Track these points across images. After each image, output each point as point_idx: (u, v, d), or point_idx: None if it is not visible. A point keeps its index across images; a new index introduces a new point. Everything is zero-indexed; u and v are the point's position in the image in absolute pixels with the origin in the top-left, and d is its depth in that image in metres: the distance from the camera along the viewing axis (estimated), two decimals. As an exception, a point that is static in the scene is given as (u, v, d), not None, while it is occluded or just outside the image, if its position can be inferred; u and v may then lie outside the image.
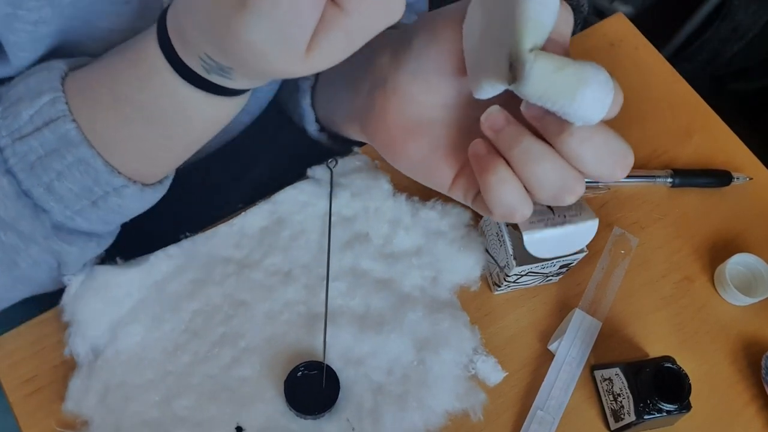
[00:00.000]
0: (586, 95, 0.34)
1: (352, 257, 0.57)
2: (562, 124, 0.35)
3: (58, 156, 0.40)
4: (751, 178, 0.66)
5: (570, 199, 0.39)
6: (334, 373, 0.52)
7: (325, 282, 0.56)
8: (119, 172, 0.42)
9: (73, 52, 0.45)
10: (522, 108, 0.36)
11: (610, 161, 0.37)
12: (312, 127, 0.59)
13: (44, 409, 0.51)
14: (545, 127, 0.36)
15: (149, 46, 0.38)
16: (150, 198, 0.45)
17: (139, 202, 0.44)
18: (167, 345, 0.53)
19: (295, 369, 0.52)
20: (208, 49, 0.35)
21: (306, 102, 0.58)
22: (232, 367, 0.52)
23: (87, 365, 0.51)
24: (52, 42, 0.44)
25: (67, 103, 0.40)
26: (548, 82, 0.33)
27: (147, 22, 0.44)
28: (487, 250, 0.58)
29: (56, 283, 0.50)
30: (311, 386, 0.51)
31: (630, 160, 0.38)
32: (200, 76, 0.37)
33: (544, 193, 0.37)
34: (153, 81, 0.39)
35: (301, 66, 0.33)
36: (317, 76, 0.59)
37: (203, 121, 0.41)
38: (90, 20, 0.44)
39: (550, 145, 0.36)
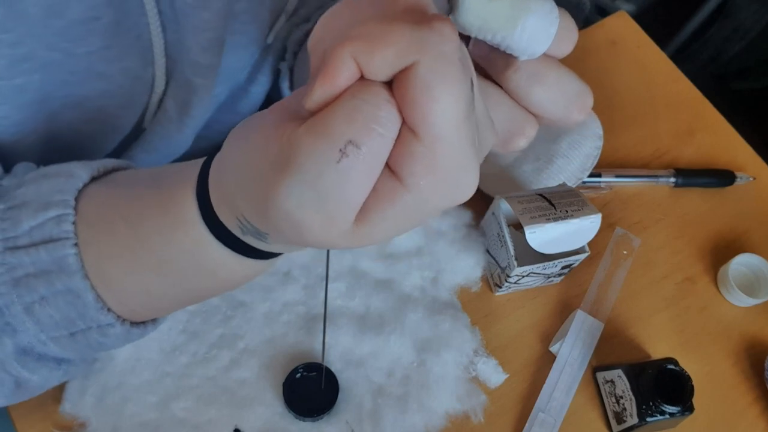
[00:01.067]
0: (527, 24, 0.32)
1: (352, 257, 0.57)
2: (507, 59, 0.33)
3: (47, 280, 0.36)
4: (754, 178, 0.66)
5: (521, 143, 0.36)
6: (334, 374, 0.52)
7: (324, 282, 0.55)
8: (109, 310, 0.37)
9: (57, 96, 0.43)
10: (469, 48, 0.34)
11: (563, 101, 0.35)
12: None
13: (41, 411, 0.50)
14: (492, 66, 0.34)
15: (185, 194, 0.34)
16: (135, 338, 0.40)
17: (121, 341, 0.39)
18: (165, 346, 0.52)
19: (294, 370, 0.51)
20: (246, 210, 0.31)
21: (285, 85, 0.58)
22: (230, 369, 0.52)
23: (84, 366, 0.50)
24: (34, 85, 0.41)
25: (74, 223, 0.36)
26: (486, 11, 0.32)
27: (122, 38, 0.43)
28: (488, 251, 0.58)
29: (14, 399, 0.43)
30: (310, 388, 0.51)
31: (589, 102, 0.36)
32: (234, 236, 0.33)
33: None
34: (180, 232, 0.34)
35: (346, 240, 0.29)
36: (296, 54, 0.57)
37: (227, 280, 0.37)
38: (68, 49, 0.41)
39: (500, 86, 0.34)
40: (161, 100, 0.51)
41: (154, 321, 0.41)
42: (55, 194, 0.37)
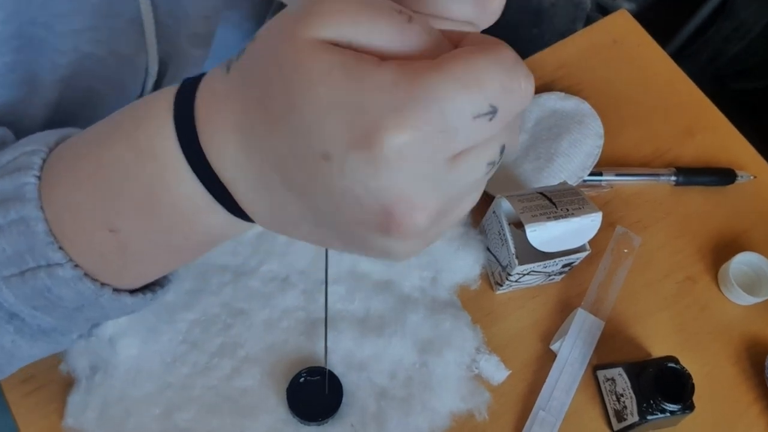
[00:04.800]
0: None
1: (350, 260, 0.57)
2: None
3: (5, 208, 0.34)
4: (754, 177, 0.66)
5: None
6: (337, 377, 0.52)
7: (323, 286, 0.55)
8: (60, 248, 0.34)
9: (47, 77, 0.43)
10: None
11: None
12: None
13: (42, 409, 0.51)
14: None
15: (158, 116, 0.31)
16: (91, 298, 0.36)
17: (74, 294, 0.35)
18: (165, 357, 0.53)
19: (297, 375, 0.52)
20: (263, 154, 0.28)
21: None
22: (232, 378, 0.53)
23: (85, 380, 0.51)
24: (22, 64, 0.41)
25: (44, 159, 0.35)
26: None
27: (112, 20, 0.43)
28: (489, 249, 0.58)
29: None
30: (314, 392, 0.51)
31: None
32: (215, 176, 0.30)
33: None
34: (149, 162, 0.31)
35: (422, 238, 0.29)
36: None
37: (205, 233, 0.33)
38: (52, 25, 0.41)
39: None
40: (156, 88, 0.51)
41: (134, 293, 0.38)
42: (35, 139, 0.36)
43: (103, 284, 0.36)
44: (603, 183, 0.65)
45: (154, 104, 0.31)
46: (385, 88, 0.25)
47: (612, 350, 0.58)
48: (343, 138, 0.26)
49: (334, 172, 0.26)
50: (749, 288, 0.61)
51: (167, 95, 0.31)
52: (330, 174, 0.26)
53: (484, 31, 0.35)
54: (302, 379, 0.52)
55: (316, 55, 0.26)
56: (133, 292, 0.38)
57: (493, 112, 0.26)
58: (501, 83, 0.26)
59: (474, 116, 0.26)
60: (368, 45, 0.26)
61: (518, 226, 0.55)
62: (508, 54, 0.27)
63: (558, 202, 0.54)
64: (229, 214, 0.31)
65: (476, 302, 0.59)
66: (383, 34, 0.27)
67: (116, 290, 0.36)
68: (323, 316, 0.55)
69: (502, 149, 0.28)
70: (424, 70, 0.25)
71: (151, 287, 0.39)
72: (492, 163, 0.28)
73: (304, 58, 0.26)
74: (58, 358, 0.52)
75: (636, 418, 0.52)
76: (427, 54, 0.27)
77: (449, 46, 0.28)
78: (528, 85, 0.27)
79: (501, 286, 0.58)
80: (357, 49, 0.26)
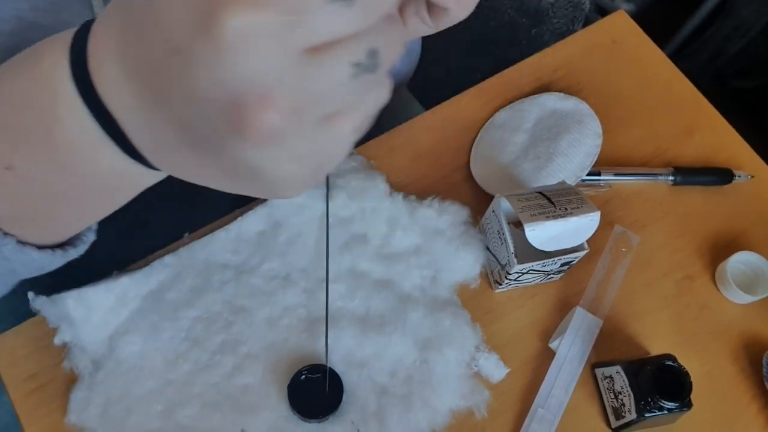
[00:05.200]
0: None
1: (351, 259, 0.58)
2: None
3: None
4: (752, 176, 0.66)
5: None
6: (338, 375, 0.52)
7: (324, 285, 0.56)
8: None
9: None
10: None
11: None
12: None
13: (45, 407, 0.51)
14: None
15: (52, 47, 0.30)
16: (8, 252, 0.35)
17: None
18: (167, 354, 0.53)
19: (299, 373, 0.52)
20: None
21: None
22: (233, 375, 0.53)
23: (88, 377, 0.52)
24: None
25: None
26: None
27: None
28: (488, 248, 0.58)
29: None
30: (315, 390, 0.52)
31: None
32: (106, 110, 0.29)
33: None
34: (45, 93, 0.30)
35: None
36: None
37: (102, 176, 0.32)
38: None
39: None
40: None
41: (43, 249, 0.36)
42: None
43: (6, 233, 0.34)
44: (602, 182, 0.65)
45: (56, 40, 0.30)
46: None
47: (610, 348, 0.59)
48: (189, 25, 0.24)
49: (183, 66, 0.25)
50: (747, 287, 0.61)
51: (70, 32, 0.30)
52: (181, 70, 0.25)
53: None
54: (303, 377, 0.52)
55: None
56: (41, 248, 0.36)
57: None
58: None
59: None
60: None
61: (517, 225, 0.55)
62: None
63: (557, 201, 0.54)
64: (120, 151, 0.30)
65: (476, 301, 0.59)
66: None
67: (21, 242, 0.35)
68: (324, 314, 0.55)
69: (372, 53, 0.26)
70: None
71: (63, 246, 0.37)
72: (358, 65, 0.26)
73: None
74: (60, 356, 0.53)
75: (634, 415, 0.52)
76: None
77: None
78: None
79: (500, 285, 0.58)
80: None
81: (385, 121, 0.70)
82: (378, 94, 0.29)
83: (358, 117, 0.29)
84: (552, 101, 0.68)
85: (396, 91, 0.84)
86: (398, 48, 0.28)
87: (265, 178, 0.29)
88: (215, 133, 0.27)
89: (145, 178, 0.33)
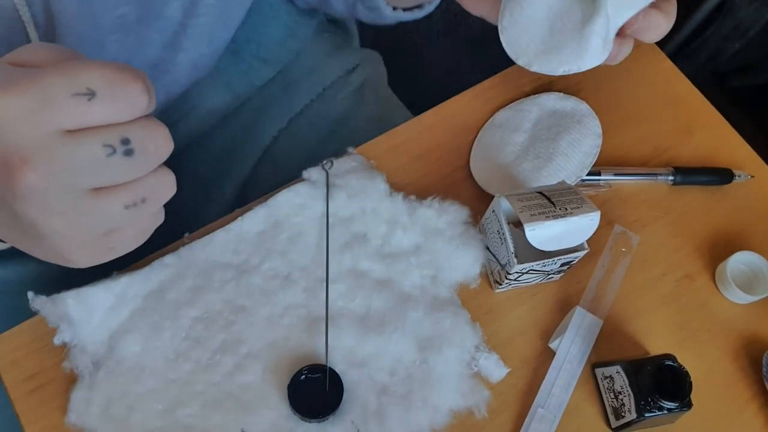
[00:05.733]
0: None
1: (351, 258, 0.58)
2: None
3: None
4: (752, 176, 0.66)
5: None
6: (338, 375, 0.52)
7: (324, 284, 0.56)
8: None
9: None
10: None
11: None
12: (387, 11, 0.65)
13: (46, 407, 0.51)
14: None
15: None
16: None
17: None
18: (168, 353, 0.53)
19: (299, 373, 0.52)
20: None
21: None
22: (234, 374, 0.53)
23: (88, 376, 0.52)
24: None
25: None
26: None
27: None
28: (488, 248, 0.58)
29: None
30: (315, 389, 0.52)
31: None
32: None
33: None
34: None
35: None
36: None
37: None
38: None
39: None
40: None
41: None
42: None
43: None
44: (601, 182, 0.65)
45: None
46: (11, 74, 0.34)
47: (610, 348, 0.59)
48: None
49: None
50: (747, 287, 0.61)
51: None
52: None
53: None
54: (303, 377, 0.53)
55: None
56: None
57: (90, 93, 0.33)
58: (100, 75, 0.33)
59: (72, 93, 0.33)
60: (36, 62, 0.35)
61: (517, 225, 0.55)
62: (120, 63, 0.35)
63: (557, 201, 0.54)
64: None
65: (476, 300, 0.59)
66: (40, 54, 0.35)
67: None
68: (324, 313, 0.55)
69: (125, 140, 0.35)
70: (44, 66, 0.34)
71: None
72: (109, 146, 0.34)
73: None
74: (61, 356, 0.53)
75: (634, 415, 0.52)
76: None
77: None
78: (134, 87, 0.34)
79: (500, 285, 0.58)
80: (20, 64, 0.35)
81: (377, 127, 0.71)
82: (156, 183, 0.38)
83: (128, 195, 0.37)
84: (552, 101, 0.68)
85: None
86: (161, 140, 0.36)
87: (41, 232, 0.36)
88: (1, 189, 0.35)
89: None
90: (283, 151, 0.75)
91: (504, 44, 0.56)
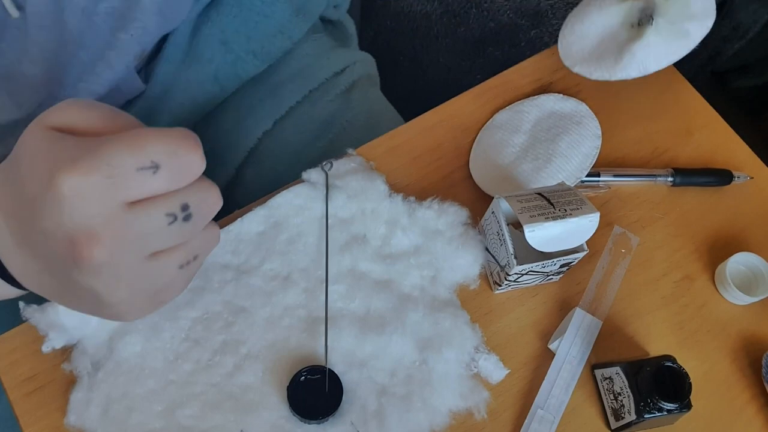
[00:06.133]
0: None
1: (351, 259, 0.58)
2: None
3: None
4: (751, 177, 0.67)
5: None
6: (337, 376, 0.52)
7: (324, 285, 0.56)
8: None
9: None
10: None
11: None
12: None
13: (44, 408, 0.51)
14: None
15: None
16: None
17: None
18: (168, 354, 0.53)
19: (298, 374, 0.52)
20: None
21: None
22: (234, 375, 0.53)
23: (87, 378, 0.51)
24: None
25: None
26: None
27: None
28: (487, 249, 0.58)
29: None
30: (314, 391, 0.52)
31: None
32: None
33: None
34: None
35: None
36: None
37: None
38: None
39: None
40: None
41: None
42: None
43: None
44: (601, 183, 0.65)
45: None
46: (70, 145, 0.35)
47: (610, 349, 0.59)
48: (38, 181, 0.34)
49: (36, 212, 0.35)
50: (746, 288, 0.61)
51: None
52: (35, 215, 0.35)
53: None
54: (303, 378, 0.52)
55: (39, 133, 0.36)
56: None
57: (155, 167, 0.35)
58: (164, 147, 0.35)
59: (137, 168, 0.34)
60: (87, 128, 0.37)
61: (517, 226, 0.55)
62: (179, 130, 0.36)
63: (556, 202, 0.54)
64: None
65: (475, 301, 0.59)
66: (98, 119, 0.37)
67: None
68: (324, 314, 0.55)
69: (184, 207, 0.37)
70: (105, 138, 0.35)
71: None
72: (171, 215, 0.36)
73: (30, 136, 0.36)
74: (60, 357, 0.53)
75: (633, 416, 0.52)
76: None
77: None
78: (194, 157, 0.36)
79: (500, 286, 0.58)
80: (75, 131, 0.36)
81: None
82: (206, 238, 0.40)
83: (183, 255, 0.39)
84: (551, 102, 0.68)
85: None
86: (213, 201, 0.38)
87: (104, 301, 0.37)
88: (62, 263, 0.36)
89: (13, 292, 0.42)
90: (268, 153, 0.75)
91: (559, 47, 0.66)
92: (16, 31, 0.56)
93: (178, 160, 0.36)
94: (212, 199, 0.39)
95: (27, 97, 0.62)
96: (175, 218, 0.37)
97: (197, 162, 0.36)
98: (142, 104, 0.70)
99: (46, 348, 0.52)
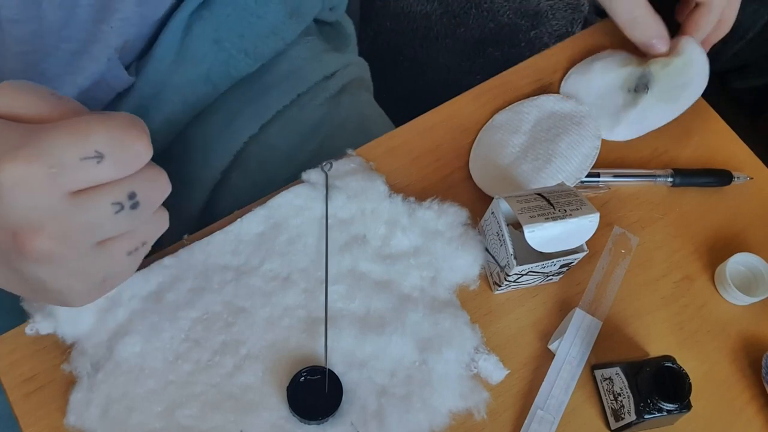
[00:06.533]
0: None
1: (351, 260, 0.58)
2: None
3: None
4: (751, 178, 0.67)
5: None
6: (337, 377, 0.52)
7: (324, 285, 0.56)
8: None
9: None
10: None
11: None
12: None
13: (44, 408, 0.51)
14: None
15: None
16: None
17: None
18: (168, 354, 0.53)
19: (298, 374, 0.52)
20: None
21: None
22: (234, 375, 0.53)
23: (87, 378, 0.51)
24: None
25: None
26: None
27: None
28: (487, 250, 0.58)
29: None
30: (314, 391, 0.52)
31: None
32: None
33: None
34: None
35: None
36: None
37: None
38: None
39: None
40: None
41: None
42: None
43: None
44: (601, 184, 0.65)
45: None
46: (11, 134, 0.33)
47: (610, 349, 0.59)
48: None
49: None
50: (746, 288, 0.61)
51: None
52: None
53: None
54: (302, 378, 0.52)
55: None
56: None
57: (99, 156, 0.34)
58: (108, 135, 0.34)
59: (81, 158, 0.34)
60: (27, 113, 0.35)
61: (516, 226, 0.55)
62: (124, 116, 0.35)
63: (556, 203, 0.54)
64: None
65: (475, 302, 0.59)
66: (37, 103, 0.35)
67: None
68: (324, 314, 0.55)
69: (131, 195, 0.36)
70: (47, 125, 0.34)
71: None
72: (118, 204, 0.36)
73: None
74: (60, 357, 0.53)
75: (633, 417, 0.52)
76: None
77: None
78: (140, 145, 0.35)
79: (499, 286, 0.58)
80: (14, 117, 0.35)
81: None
82: (154, 224, 0.40)
83: (131, 242, 0.39)
84: (551, 103, 0.68)
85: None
86: (161, 187, 0.38)
87: (52, 289, 0.38)
88: (6, 254, 0.36)
89: None
90: (254, 156, 0.75)
91: (563, 84, 0.70)
92: None
93: (123, 149, 0.35)
94: (160, 186, 0.38)
95: None
96: (122, 207, 0.36)
97: (143, 150, 0.36)
98: (133, 102, 0.69)
99: (29, 330, 0.52)
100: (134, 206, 0.37)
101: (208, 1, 0.70)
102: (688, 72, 0.66)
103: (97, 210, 0.35)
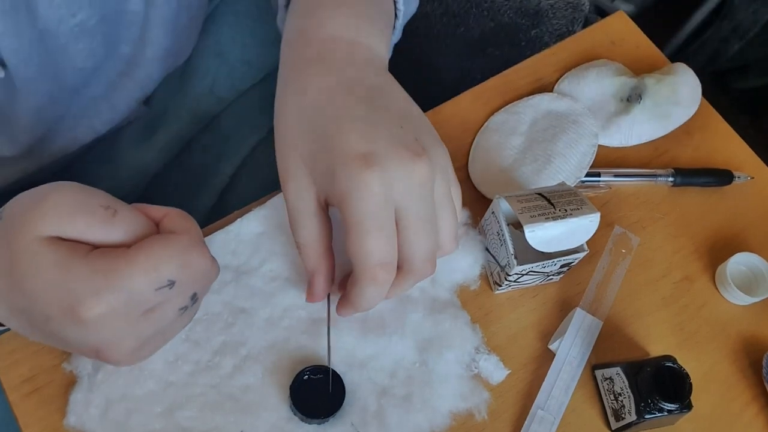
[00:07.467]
0: None
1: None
2: None
3: None
4: (752, 177, 0.67)
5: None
6: (340, 377, 0.52)
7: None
8: None
9: None
10: None
11: None
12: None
13: (44, 409, 0.51)
14: None
15: None
16: None
17: None
18: (168, 355, 0.53)
19: (301, 373, 0.52)
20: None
21: None
22: (234, 376, 0.53)
23: (87, 379, 0.51)
24: None
25: None
26: None
27: None
28: (487, 249, 0.58)
29: None
30: (317, 391, 0.52)
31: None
32: None
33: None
34: None
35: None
36: None
37: None
38: None
39: None
40: None
41: None
42: None
43: None
44: (601, 184, 0.65)
45: None
46: (83, 274, 0.37)
47: (610, 349, 0.59)
48: (57, 309, 0.38)
49: (54, 327, 0.39)
50: (746, 288, 0.61)
51: None
52: (52, 328, 0.39)
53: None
54: (306, 377, 0.52)
55: (39, 250, 0.37)
56: None
57: (171, 284, 0.39)
58: (176, 265, 0.39)
59: (155, 289, 0.38)
60: (82, 238, 0.38)
61: (517, 226, 0.55)
62: (182, 238, 0.40)
63: (556, 202, 0.54)
64: None
65: (475, 302, 0.59)
66: (92, 228, 0.38)
67: None
68: (324, 315, 0.55)
69: (193, 297, 0.41)
70: (116, 260, 0.37)
71: None
72: (183, 308, 0.41)
73: (31, 254, 0.38)
74: (60, 358, 0.53)
75: (634, 417, 0.52)
76: (129, 239, 0.39)
77: (151, 227, 0.41)
78: (205, 264, 0.41)
79: (500, 286, 0.58)
80: (74, 240, 0.38)
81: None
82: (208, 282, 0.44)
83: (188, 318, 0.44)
84: (546, 102, 0.68)
85: None
86: (215, 276, 0.43)
87: (108, 360, 0.41)
88: (83, 354, 0.42)
89: None
90: (262, 161, 0.75)
91: (557, 87, 0.70)
92: (2, 85, 0.55)
93: (191, 272, 0.40)
94: (215, 275, 0.43)
95: (22, 136, 0.61)
96: (186, 308, 0.41)
97: (208, 268, 0.41)
98: (142, 123, 0.70)
99: None
100: (195, 301, 0.42)
101: (211, 15, 0.70)
102: (680, 91, 0.67)
103: (166, 318, 0.41)
